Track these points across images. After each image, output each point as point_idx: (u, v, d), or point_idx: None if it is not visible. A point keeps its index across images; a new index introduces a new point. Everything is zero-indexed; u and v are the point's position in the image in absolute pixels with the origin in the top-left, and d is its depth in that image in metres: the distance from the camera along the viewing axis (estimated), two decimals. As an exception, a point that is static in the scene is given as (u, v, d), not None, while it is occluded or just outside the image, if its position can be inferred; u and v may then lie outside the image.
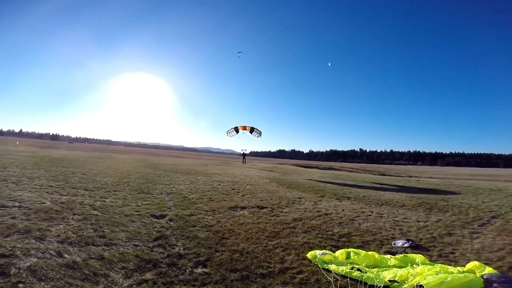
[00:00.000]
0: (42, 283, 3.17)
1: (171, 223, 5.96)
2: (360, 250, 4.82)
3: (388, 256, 4.75)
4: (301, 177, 20.07)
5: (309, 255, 4.58)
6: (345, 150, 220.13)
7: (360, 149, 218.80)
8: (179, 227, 5.72)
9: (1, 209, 5.61)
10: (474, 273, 3.98)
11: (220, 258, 4.33)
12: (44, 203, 6.46)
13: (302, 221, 6.96)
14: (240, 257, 4.42)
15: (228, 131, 26.67)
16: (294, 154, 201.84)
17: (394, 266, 4.34)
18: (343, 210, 8.63)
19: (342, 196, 11.40)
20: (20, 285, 3.10)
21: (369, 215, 8.05)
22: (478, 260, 4.45)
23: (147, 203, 7.57)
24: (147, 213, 6.56)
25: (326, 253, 4.53)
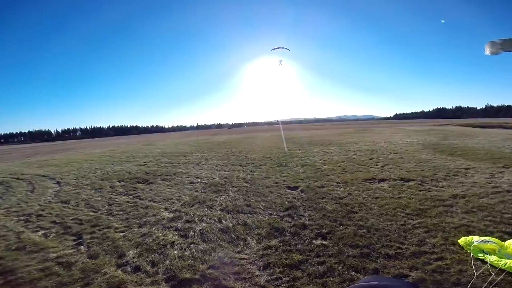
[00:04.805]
0: (204, 244, 4.20)
1: (302, 194, 6.43)
2: None
3: None
4: (472, 141, 15.05)
5: (462, 240, 3.61)
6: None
7: None
8: (308, 198, 6.08)
9: (190, 185, 8.23)
10: None
11: (342, 232, 4.27)
12: (214, 178, 8.82)
13: (465, 198, 5.41)
14: (365, 233, 4.17)
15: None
16: (461, 112, 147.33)
17: None
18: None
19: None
20: (192, 245, 4.18)
21: None
22: None
23: (284, 175, 8.50)
24: (283, 184, 7.41)
25: (488, 241, 3.40)
